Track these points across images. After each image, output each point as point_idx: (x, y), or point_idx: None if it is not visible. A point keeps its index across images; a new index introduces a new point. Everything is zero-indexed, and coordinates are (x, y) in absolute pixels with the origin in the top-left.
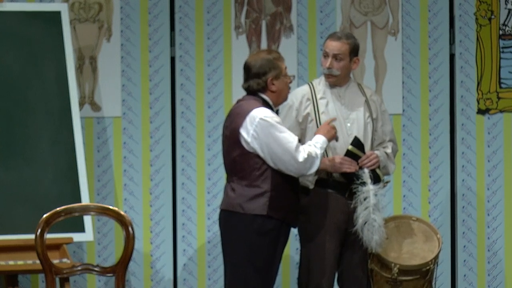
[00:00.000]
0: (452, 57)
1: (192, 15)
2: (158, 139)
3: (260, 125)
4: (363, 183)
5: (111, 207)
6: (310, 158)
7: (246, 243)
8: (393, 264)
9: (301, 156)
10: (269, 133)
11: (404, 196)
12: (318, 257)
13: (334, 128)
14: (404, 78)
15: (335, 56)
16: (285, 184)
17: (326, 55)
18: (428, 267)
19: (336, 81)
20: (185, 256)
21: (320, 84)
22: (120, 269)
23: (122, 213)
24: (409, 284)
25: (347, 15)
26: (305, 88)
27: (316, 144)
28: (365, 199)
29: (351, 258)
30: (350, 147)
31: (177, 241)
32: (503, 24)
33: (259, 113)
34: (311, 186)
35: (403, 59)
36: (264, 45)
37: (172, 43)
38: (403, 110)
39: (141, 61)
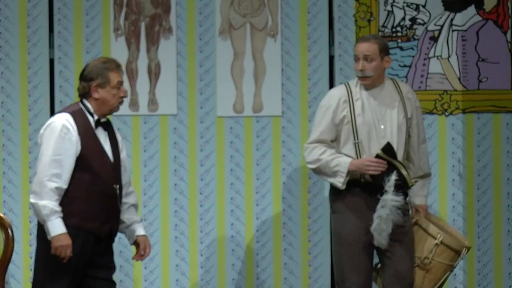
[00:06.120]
0: (331, 59)
1: (71, 17)
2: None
3: (48, 127)
4: (385, 191)
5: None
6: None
7: (41, 249)
8: (465, 248)
9: (38, 183)
10: (46, 138)
11: None
12: (350, 256)
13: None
14: (284, 79)
15: (365, 58)
16: (75, 191)
17: (357, 58)
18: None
19: (371, 83)
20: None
21: (356, 86)
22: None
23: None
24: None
25: (226, 17)
26: (342, 90)
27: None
28: (382, 208)
29: (393, 254)
30: (379, 151)
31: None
32: (383, 26)
33: (55, 118)
34: (343, 187)
35: (282, 61)
36: (143, 46)
37: (51, 45)
38: (283, 112)
39: (20, 62)
